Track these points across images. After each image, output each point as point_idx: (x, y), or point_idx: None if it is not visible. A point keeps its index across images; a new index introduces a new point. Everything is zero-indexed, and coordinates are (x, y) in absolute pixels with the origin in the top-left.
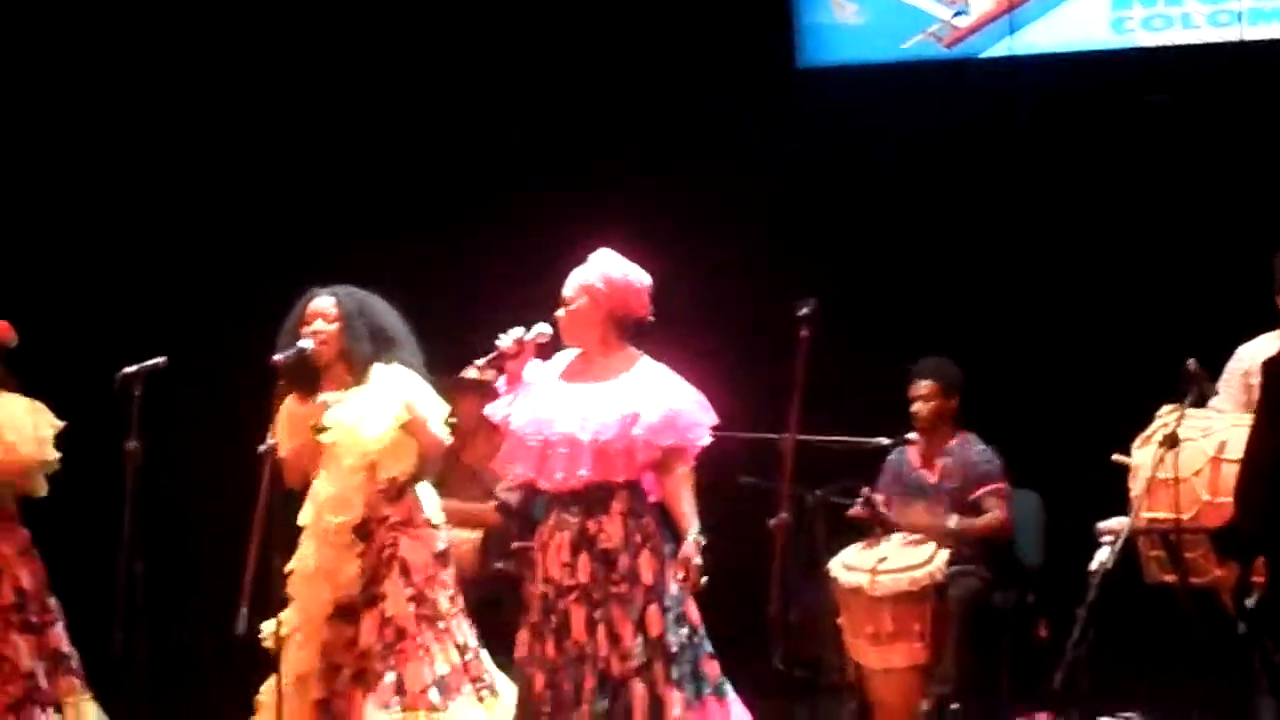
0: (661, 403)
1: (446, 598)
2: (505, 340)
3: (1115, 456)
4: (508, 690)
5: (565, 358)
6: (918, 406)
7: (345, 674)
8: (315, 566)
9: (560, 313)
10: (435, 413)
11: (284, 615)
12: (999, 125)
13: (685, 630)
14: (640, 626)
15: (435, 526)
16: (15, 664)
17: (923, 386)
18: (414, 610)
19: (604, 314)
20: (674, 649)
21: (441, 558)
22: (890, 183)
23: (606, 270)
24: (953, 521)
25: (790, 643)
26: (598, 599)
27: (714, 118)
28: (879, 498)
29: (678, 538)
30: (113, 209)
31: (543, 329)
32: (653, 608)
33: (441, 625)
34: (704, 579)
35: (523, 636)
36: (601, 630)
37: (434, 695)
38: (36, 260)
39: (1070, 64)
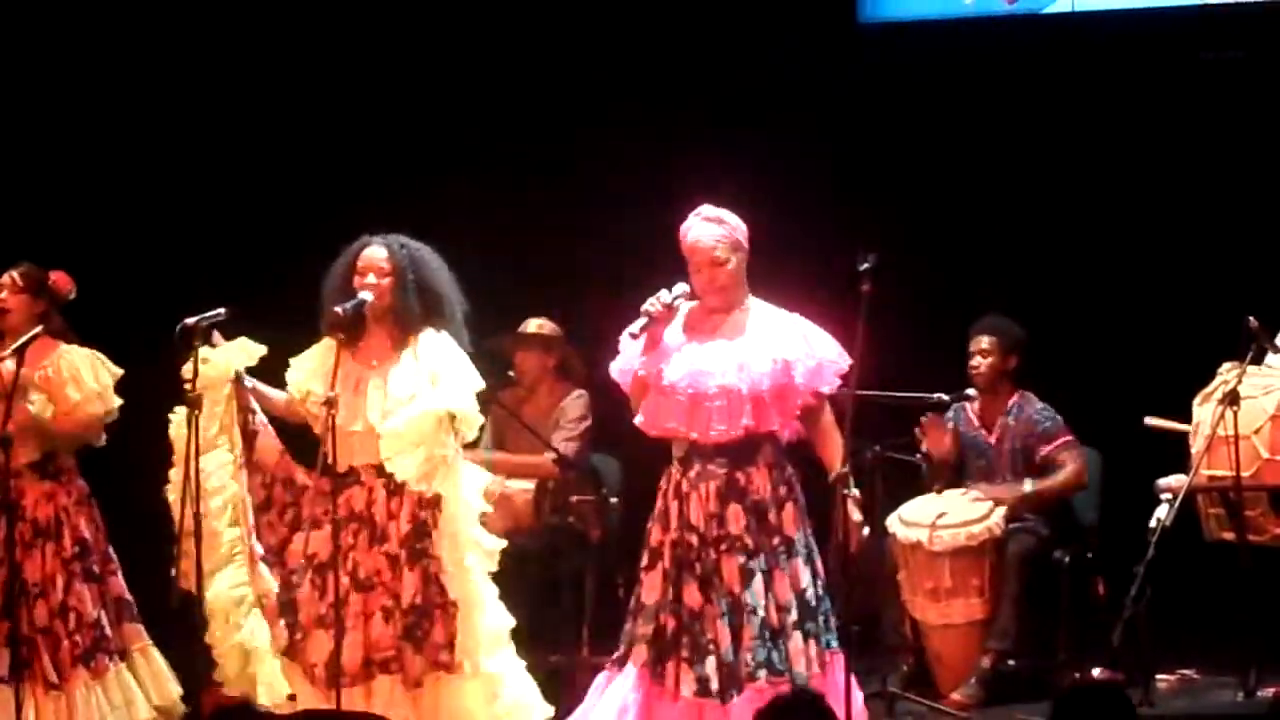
0: (812, 350)
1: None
2: (655, 305)
3: (1148, 420)
4: None
5: (684, 312)
6: (976, 362)
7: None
8: None
9: (706, 271)
10: (457, 388)
11: None
12: (1061, 82)
13: (821, 582)
14: (791, 580)
15: None
16: (82, 613)
17: (983, 342)
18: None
19: (745, 268)
20: (813, 602)
21: None
22: (951, 139)
23: (738, 224)
24: (1028, 486)
25: (848, 598)
26: (752, 549)
27: (776, 73)
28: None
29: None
30: (173, 158)
31: (684, 287)
32: (797, 560)
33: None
34: (865, 531)
35: (653, 581)
36: (759, 581)
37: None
38: (98, 209)
39: (1134, 20)
